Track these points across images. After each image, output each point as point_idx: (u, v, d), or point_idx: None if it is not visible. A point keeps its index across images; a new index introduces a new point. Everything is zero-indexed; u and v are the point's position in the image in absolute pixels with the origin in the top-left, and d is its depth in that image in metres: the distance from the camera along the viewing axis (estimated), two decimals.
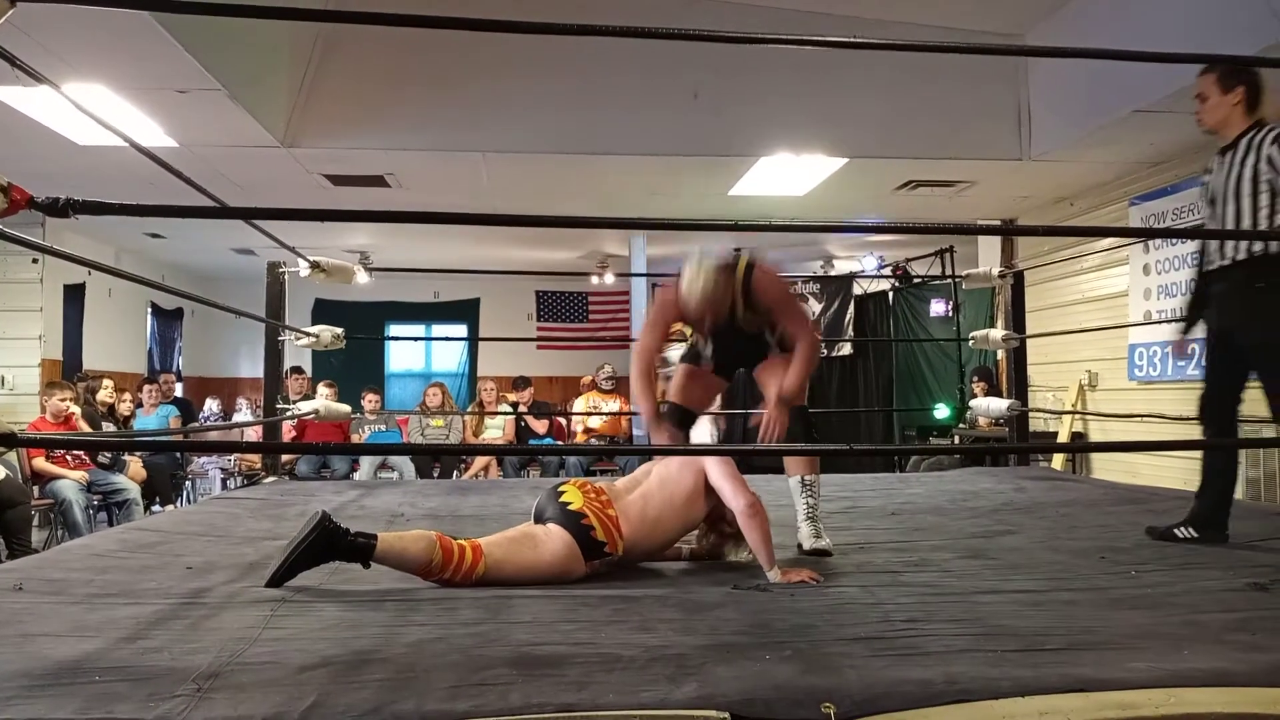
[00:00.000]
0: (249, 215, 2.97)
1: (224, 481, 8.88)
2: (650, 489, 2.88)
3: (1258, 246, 3.11)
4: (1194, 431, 5.55)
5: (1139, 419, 6.22)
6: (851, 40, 3.29)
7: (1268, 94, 3.25)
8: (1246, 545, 3.24)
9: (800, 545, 3.14)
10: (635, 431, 9.07)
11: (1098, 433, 7.61)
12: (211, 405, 10.96)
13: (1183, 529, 3.34)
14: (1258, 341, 3.16)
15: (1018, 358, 5.70)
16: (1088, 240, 7.43)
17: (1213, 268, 3.29)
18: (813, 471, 3.23)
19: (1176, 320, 3.65)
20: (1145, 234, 7.12)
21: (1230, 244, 3.20)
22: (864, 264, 11.12)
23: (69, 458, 6.62)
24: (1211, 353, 3.40)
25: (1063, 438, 7.71)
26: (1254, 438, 5.28)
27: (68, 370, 8.96)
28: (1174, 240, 6.66)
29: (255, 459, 8.10)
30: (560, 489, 2.83)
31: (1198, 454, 6.12)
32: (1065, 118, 6.25)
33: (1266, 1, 4.49)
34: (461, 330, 13.60)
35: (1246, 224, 3.15)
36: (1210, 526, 3.33)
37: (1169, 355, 6.16)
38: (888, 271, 10.80)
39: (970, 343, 6.03)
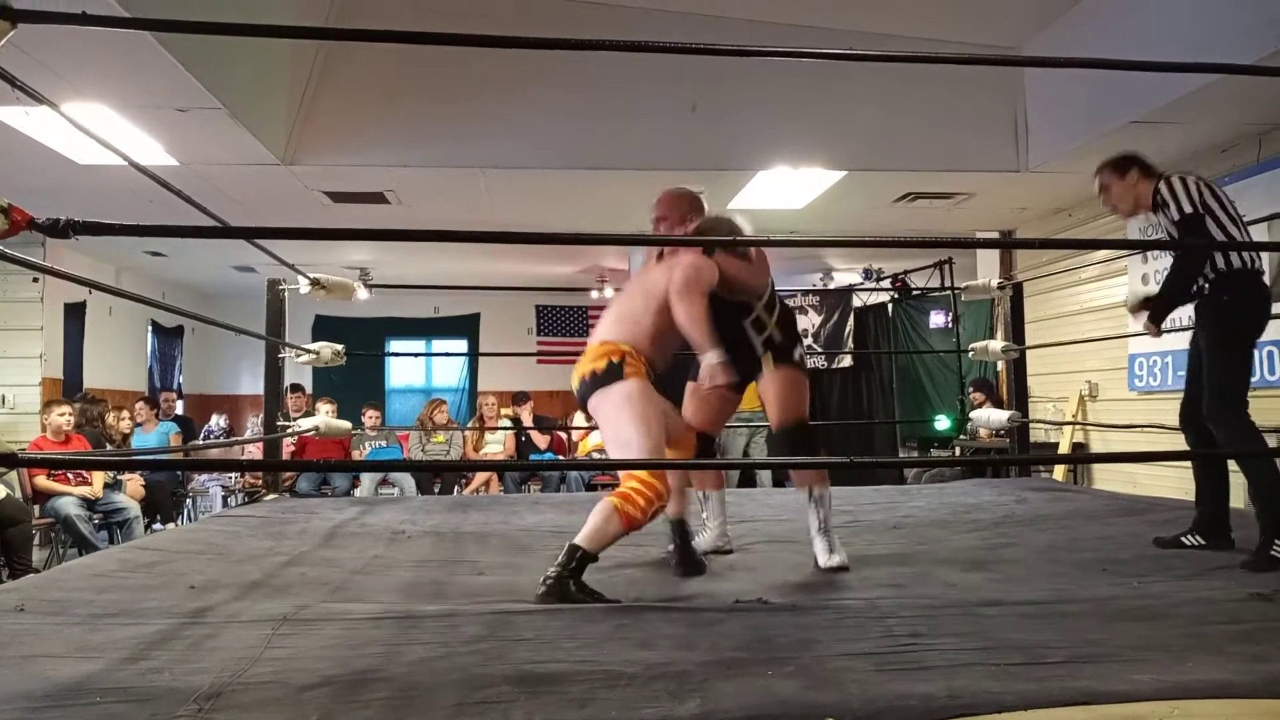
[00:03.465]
0: (250, 235, 2.99)
1: (225, 499, 8.87)
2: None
3: (1221, 264, 3.31)
4: None
5: (1140, 429, 6.21)
6: (848, 52, 3.31)
7: (1150, 161, 3.55)
8: (1249, 554, 3.23)
9: (816, 562, 3.13)
10: None
11: (1099, 443, 7.60)
12: (218, 420, 10.99)
13: (1189, 537, 3.42)
14: (1210, 347, 3.34)
15: (1018, 369, 5.70)
16: (1086, 251, 7.45)
17: (1196, 301, 3.46)
18: (821, 484, 3.22)
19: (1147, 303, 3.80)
20: (1141, 246, 7.12)
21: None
22: (861, 276, 11.13)
23: (69, 475, 6.62)
24: (1190, 364, 3.57)
25: (1063, 448, 7.69)
26: (1251, 448, 5.28)
27: (68, 389, 8.95)
28: (1172, 250, 6.66)
29: (256, 477, 8.09)
30: None
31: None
32: (1062, 129, 6.26)
33: (1261, 11, 4.51)
34: (462, 345, 13.61)
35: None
36: (1215, 532, 3.41)
37: (1162, 366, 6.18)
38: (886, 284, 10.81)
39: (970, 354, 6.03)
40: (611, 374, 2.85)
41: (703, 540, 3.42)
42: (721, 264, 3.09)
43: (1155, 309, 3.45)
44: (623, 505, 2.67)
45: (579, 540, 2.66)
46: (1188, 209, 3.30)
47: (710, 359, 2.93)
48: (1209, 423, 3.33)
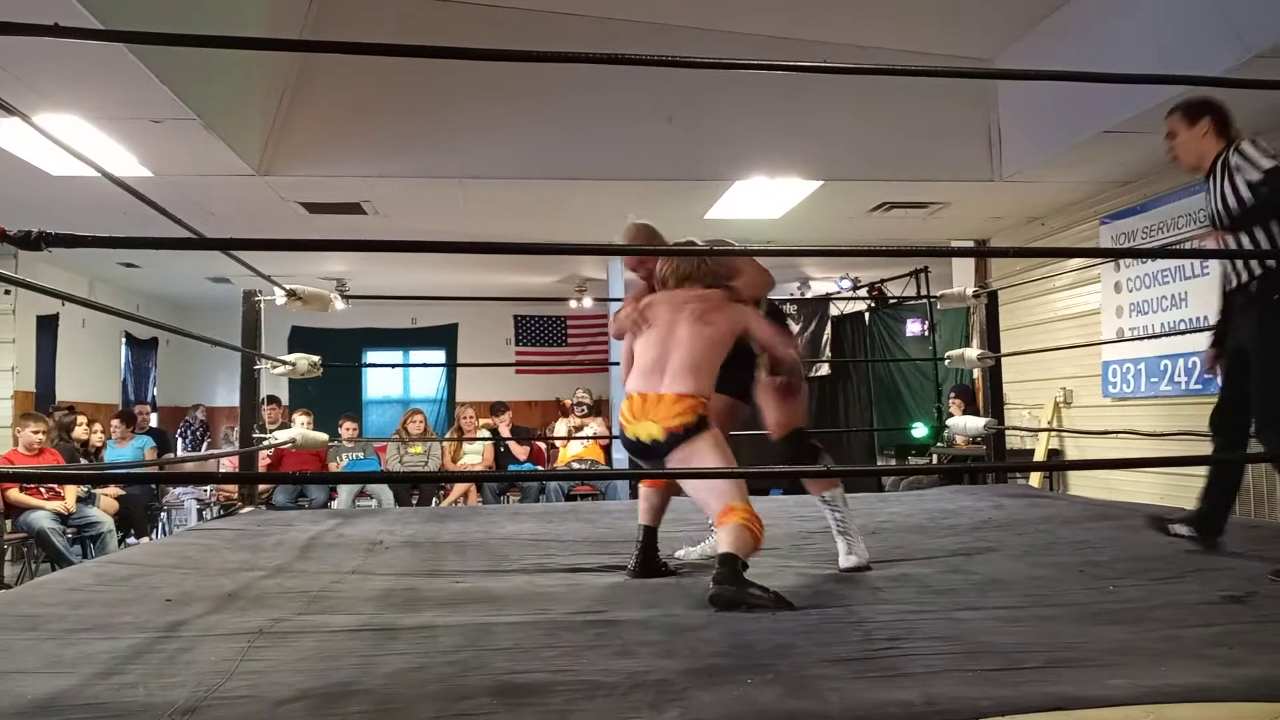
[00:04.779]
0: (224, 246, 2.96)
1: (200, 512, 8.78)
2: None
3: (1271, 262, 3.12)
4: (1167, 446, 5.60)
5: (1114, 435, 6.27)
6: (823, 65, 3.34)
7: (1233, 118, 3.28)
8: (1227, 555, 3.27)
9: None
10: (615, 455, 9.05)
11: (1074, 449, 7.67)
12: (196, 414, 10.99)
13: (1182, 526, 3.36)
14: (1259, 352, 3.17)
15: (994, 376, 5.74)
16: (1060, 259, 7.53)
17: (1231, 287, 3.31)
18: (830, 488, 3.30)
19: (1206, 329, 3.66)
20: (1114, 254, 7.22)
21: (1240, 263, 3.22)
22: (840, 285, 11.19)
23: (43, 490, 6.54)
24: (1228, 366, 3.42)
25: (1039, 455, 7.75)
26: (1230, 454, 5.34)
27: (41, 402, 8.86)
28: (1144, 258, 6.75)
29: (232, 489, 8.02)
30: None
31: (1172, 469, 6.21)
32: (1035, 139, 6.33)
33: (1230, 24, 4.58)
34: (439, 356, 13.56)
35: (1244, 240, 3.16)
36: (1208, 528, 3.35)
37: (1195, 368, 6.17)
38: (863, 292, 10.88)
39: (946, 362, 6.07)
40: (700, 425, 2.91)
41: (707, 545, 3.44)
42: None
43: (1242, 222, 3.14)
44: (750, 524, 2.76)
45: (730, 550, 2.72)
46: (1267, 163, 3.02)
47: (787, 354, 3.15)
48: (1259, 435, 3.16)
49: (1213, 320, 3.55)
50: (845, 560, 3.19)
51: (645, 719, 1.70)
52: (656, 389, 2.97)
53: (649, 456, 3.01)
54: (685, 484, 2.99)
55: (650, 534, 3.21)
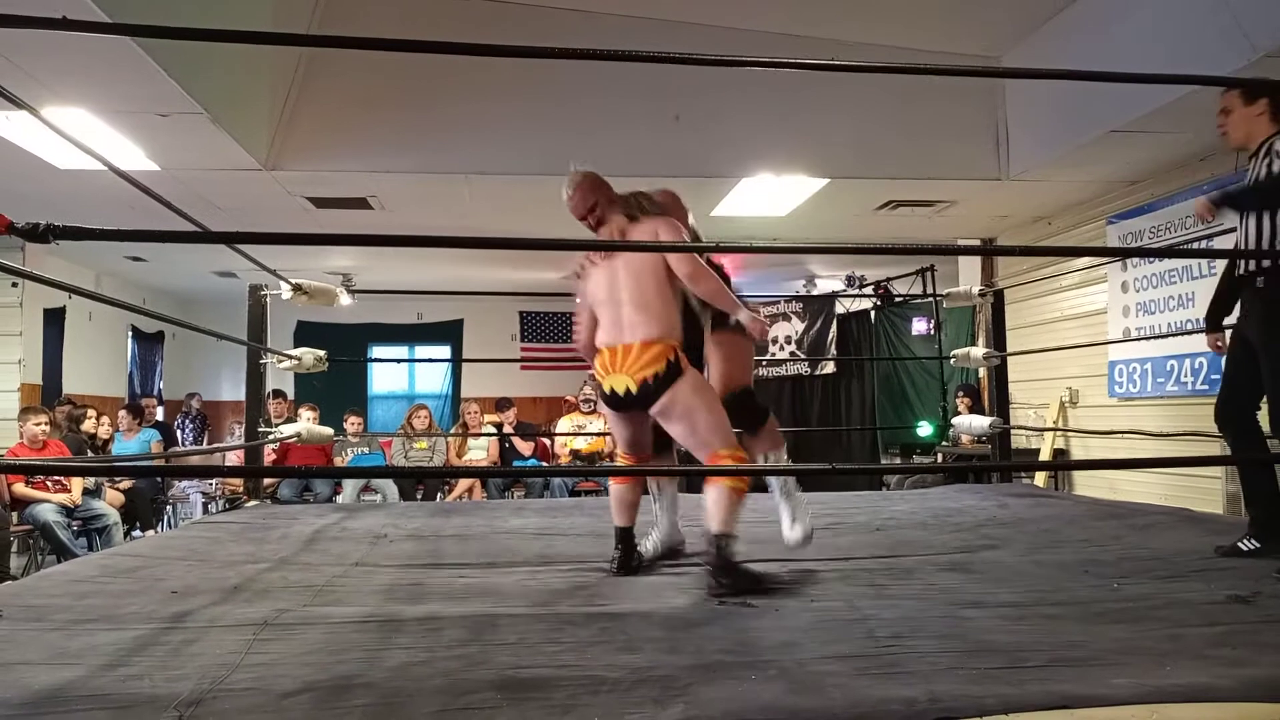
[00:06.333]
0: (230, 240, 2.97)
1: (205, 506, 8.80)
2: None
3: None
4: (1173, 446, 5.59)
5: (1120, 435, 6.26)
6: (830, 63, 3.33)
7: None
8: (1228, 557, 3.26)
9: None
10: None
11: (1079, 449, 7.65)
12: (193, 403, 11.13)
13: (1245, 541, 3.29)
14: (1269, 351, 3.15)
15: (999, 375, 5.73)
16: (1067, 258, 7.51)
17: (1240, 274, 3.30)
18: (774, 449, 3.33)
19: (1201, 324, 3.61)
20: (1122, 253, 7.19)
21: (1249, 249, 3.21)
22: (844, 283, 11.17)
23: (49, 482, 6.56)
24: (1230, 357, 3.41)
25: (1045, 455, 7.74)
26: (1229, 454, 5.33)
27: (48, 395, 8.88)
28: (1151, 258, 6.73)
29: (237, 483, 8.04)
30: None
31: (1177, 469, 6.20)
32: (1042, 138, 6.31)
33: (1237, 23, 4.56)
34: (445, 351, 13.57)
35: (1265, 226, 3.16)
36: (1272, 535, 3.26)
37: (1202, 368, 6.13)
38: (869, 290, 10.86)
39: (952, 361, 6.06)
40: (673, 372, 2.96)
41: (653, 540, 3.37)
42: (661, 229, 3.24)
43: (1225, 200, 3.17)
44: (733, 483, 2.85)
45: (719, 529, 2.80)
46: None
47: (744, 317, 3.07)
48: (1277, 433, 3.13)
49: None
50: (790, 532, 3.24)
51: (649, 714, 1.70)
52: (621, 340, 3.01)
53: (628, 409, 3.05)
54: (677, 434, 3.03)
55: (628, 534, 3.21)
